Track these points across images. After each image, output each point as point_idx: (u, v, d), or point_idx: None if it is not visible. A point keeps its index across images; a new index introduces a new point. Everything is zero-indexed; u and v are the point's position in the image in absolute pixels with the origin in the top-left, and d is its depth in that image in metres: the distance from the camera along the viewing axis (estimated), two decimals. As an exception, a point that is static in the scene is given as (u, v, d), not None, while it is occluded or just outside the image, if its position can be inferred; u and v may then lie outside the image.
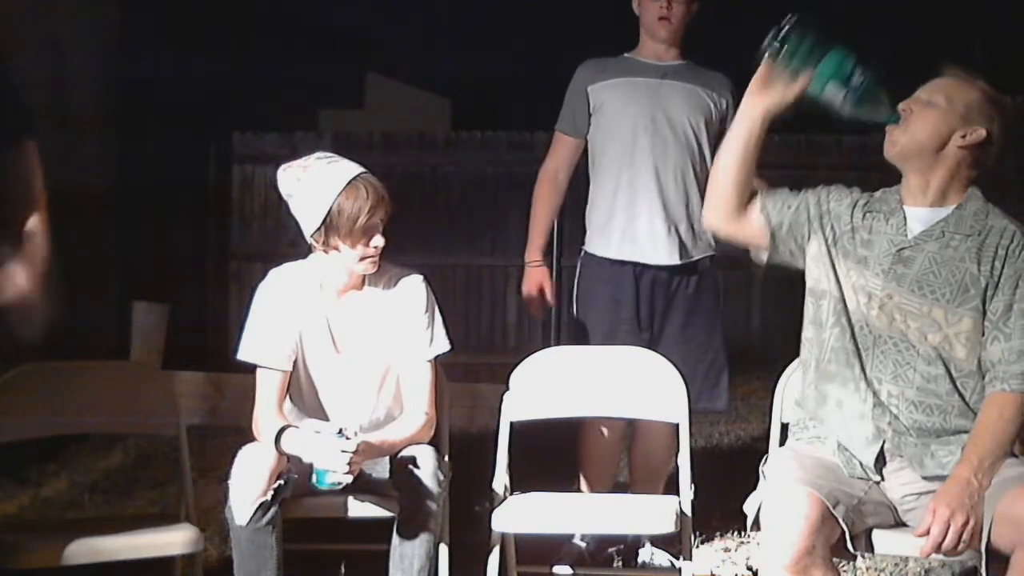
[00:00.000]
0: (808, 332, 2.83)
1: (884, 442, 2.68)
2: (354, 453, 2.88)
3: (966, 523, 2.47)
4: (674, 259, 3.77)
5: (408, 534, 2.97)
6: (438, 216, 8.84)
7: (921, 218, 2.75)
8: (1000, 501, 2.47)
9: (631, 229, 3.78)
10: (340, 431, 2.90)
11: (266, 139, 8.92)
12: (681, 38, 3.88)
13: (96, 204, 7.06)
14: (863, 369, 2.72)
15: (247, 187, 8.93)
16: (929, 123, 2.70)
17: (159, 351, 7.41)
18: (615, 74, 3.85)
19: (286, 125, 8.94)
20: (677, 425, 3.27)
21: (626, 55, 3.93)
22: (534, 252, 3.93)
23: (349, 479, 2.91)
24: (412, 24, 10.85)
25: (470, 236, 8.90)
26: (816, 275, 2.81)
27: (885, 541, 2.67)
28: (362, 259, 3.13)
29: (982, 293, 2.66)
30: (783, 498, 2.53)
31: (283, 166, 3.16)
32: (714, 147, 3.72)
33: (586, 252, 3.89)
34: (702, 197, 3.69)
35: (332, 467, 2.88)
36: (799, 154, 8.59)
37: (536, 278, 3.91)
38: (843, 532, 2.53)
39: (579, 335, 3.86)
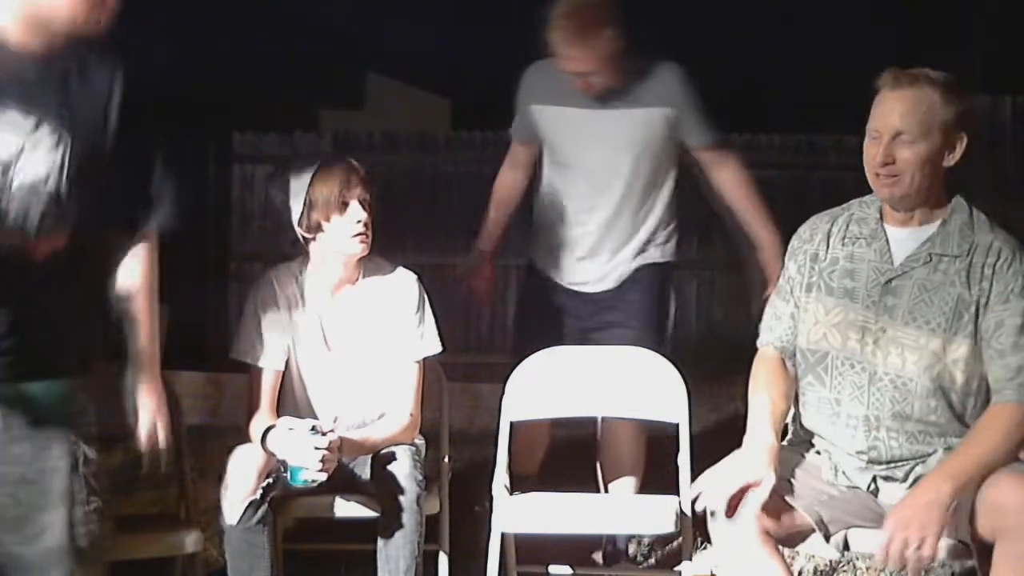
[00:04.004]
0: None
1: (876, 476, 2.67)
2: (327, 450, 2.87)
3: (921, 541, 2.39)
4: (607, 285, 3.73)
5: (390, 534, 2.96)
6: (438, 216, 8.82)
7: (905, 241, 2.67)
8: (983, 489, 2.45)
9: (565, 256, 3.75)
10: (313, 428, 2.89)
11: (266, 139, 8.91)
12: (619, 60, 3.54)
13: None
14: (859, 407, 2.66)
15: (247, 187, 8.91)
16: (919, 167, 2.59)
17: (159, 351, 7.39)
18: (552, 99, 3.66)
19: (286, 125, 8.92)
20: (677, 425, 3.27)
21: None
22: (485, 243, 4.01)
23: (323, 477, 2.90)
24: (412, 24, 10.84)
25: (470, 236, 8.81)
26: (806, 328, 2.75)
27: (864, 540, 2.66)
28: (353, 236, 3.12)
29: (974, 317, 2.59)
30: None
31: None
32: (661, 157, 3.68)
33: (531, 260, 3.89)
34: (641, 218, 3.69)
35: (305, 464, 2.88)
36: (799, 154, 8.55)
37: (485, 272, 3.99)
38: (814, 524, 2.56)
39: (518, 336, 3.83)
